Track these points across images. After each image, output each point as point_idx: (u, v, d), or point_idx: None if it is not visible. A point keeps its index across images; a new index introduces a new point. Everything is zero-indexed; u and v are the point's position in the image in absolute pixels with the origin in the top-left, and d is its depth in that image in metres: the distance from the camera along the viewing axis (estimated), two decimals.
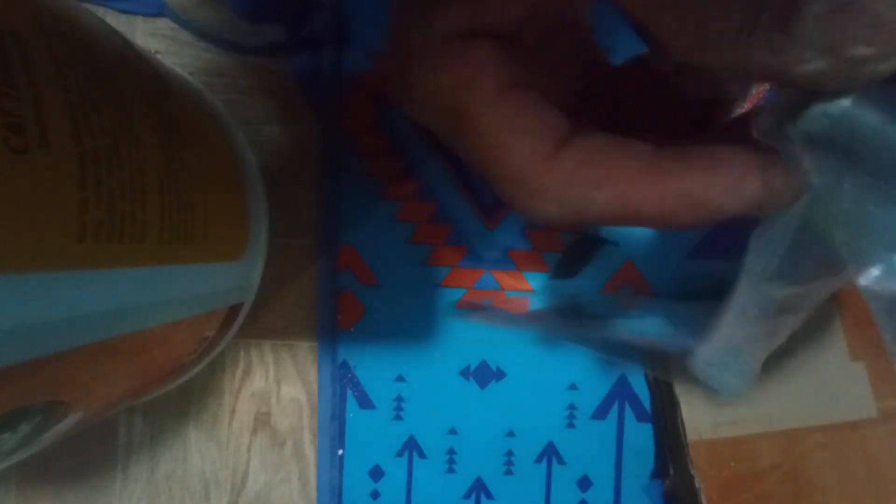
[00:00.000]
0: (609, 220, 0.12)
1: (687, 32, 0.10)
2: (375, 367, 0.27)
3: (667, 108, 0.14)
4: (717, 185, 0.11)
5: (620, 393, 0.27)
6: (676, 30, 0.10)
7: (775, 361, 0.24)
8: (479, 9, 0.12)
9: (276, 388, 0.27)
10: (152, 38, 0.27)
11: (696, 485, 0.25)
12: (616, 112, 0.13)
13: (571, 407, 0.27)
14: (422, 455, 0.27)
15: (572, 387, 0.27)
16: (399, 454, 0.27)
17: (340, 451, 0.27)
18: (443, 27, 0.12)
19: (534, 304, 0.27)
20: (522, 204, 0.13)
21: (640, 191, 0.12)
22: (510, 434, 0.27)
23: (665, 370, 0.26)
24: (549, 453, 0.27)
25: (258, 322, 0.27)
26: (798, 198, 0.12)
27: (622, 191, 0.12)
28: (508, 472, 0.27)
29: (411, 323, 0.27)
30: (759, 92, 0.24)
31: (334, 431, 0.27)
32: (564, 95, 0.14)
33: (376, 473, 0.27)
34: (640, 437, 0.27)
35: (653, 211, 0.12)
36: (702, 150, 0.12)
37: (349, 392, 0.27)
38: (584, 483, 0.27)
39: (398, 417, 0.27)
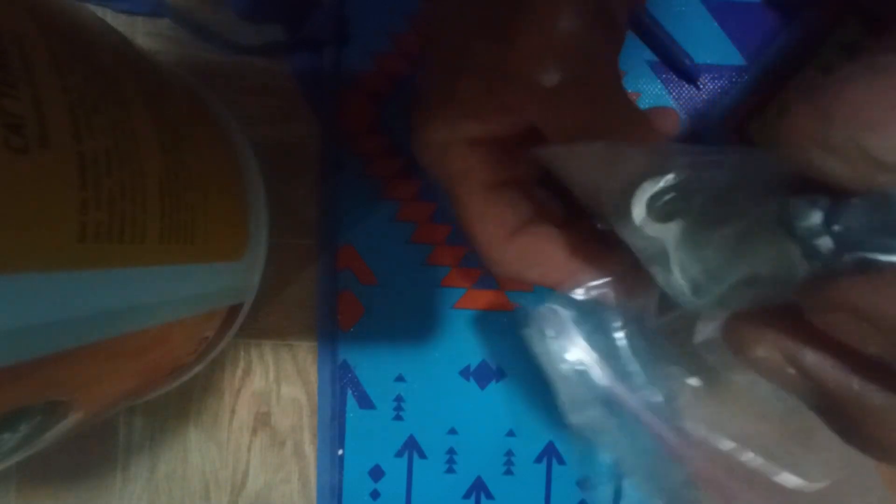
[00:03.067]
0: (539, 285, 0.18)
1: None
2: (375, 367, 0.27)
3: None
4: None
5: None
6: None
7: None
8: (482, 127, 0.17)
9: (276, 388, 0.27)
10: (152, 38, 0.27)
11: None
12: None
13: None
14: (422, 455, 0.27)
15: None
16: (399, 454, 0.27)
17: (340, 451, 0.27)
18: (455, 134, 0.17)
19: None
20: (485, 264, 0.19)
21: (553, 276, 0.18)
22: (510, 434, 0.27)
23: None
24: (549, 453, 0.27)
25: (258, 322, 0.27)
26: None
27: (542, 274, 0.18)
28: (508, 472, 0.27)
29: (411, 323, 0.27)
30: None
31: (334, 431, 0.27)
32: (534, 170, 0.19)
33: (376, 473, 0.27)
34: None
35: (562, 287, 0.18)
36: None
37: (349, 392, 0.27)
38: (585, 483, 0.27)
39: (398, 417, 0.27)
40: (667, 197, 0.13)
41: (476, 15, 0.16)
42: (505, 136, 0.17)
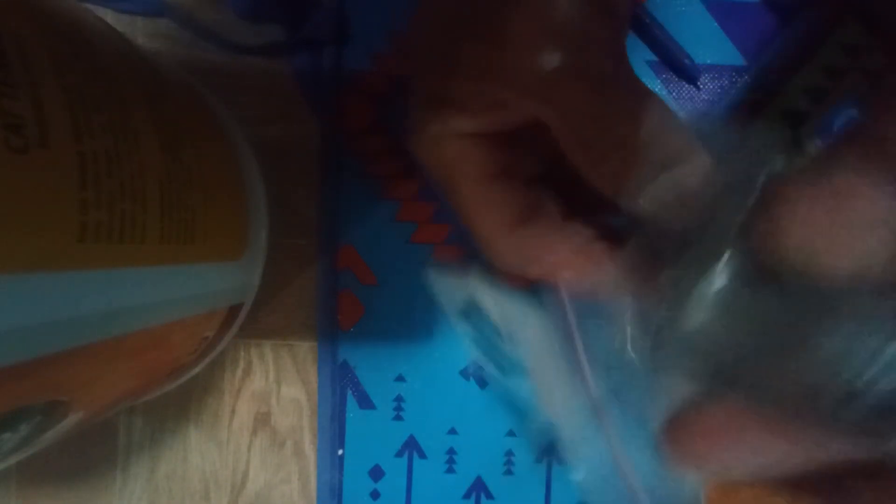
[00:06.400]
0: (541, 279, 0.18)
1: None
2: (375, 367, 0.27)
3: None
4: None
5: None
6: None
7: None
8: (473, 123, 0.17)
9: (276, 388, 0.27)
10: (152, 38, 0.27)
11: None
12: (572, 183, 0.18)
13: None
14: (422, 455, 0.27)
15: None
16: (399, 454, 0.27)
17: (340, 451, 0.27)
18: (446, 128, 0.17)
19: None
20: (485, 255, 0.18)
21: (556, 272, 0.17)
22: (510, 434, 0.27)
23: None
24: (549, 453, 0.27)
25: (258, 322, 0.27)
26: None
27: (544, 270, 0.17)
28: (508, 473, 0.27)
29: (411, 323, 0.27)
30: None
31: (334, 431, 0.27)
32: (532, 168, 0.18)
33: (376, 473, 0.27)
34: None
35: (563, 283, 0.17)
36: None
37: (349, 392, 0.27)
38: None
39: (398, 417, 0.27)
40: None
41: (465, 14, 0.16)
42: (498, 132, 0.17)
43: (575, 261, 0.17)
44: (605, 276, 0.16)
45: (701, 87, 0.26)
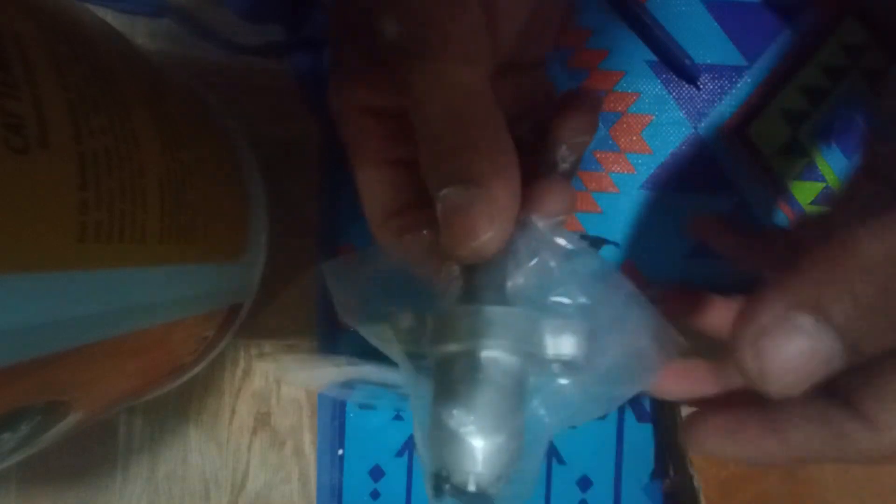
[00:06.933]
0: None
1: None
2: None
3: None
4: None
5: None
6: None
7: None
8: (371, 96, 0.17)
9: (276, 388, 0.27)
10: (152, 38, 0.27)
11: (696, 484, 0.25)
12: None
13: None
14: None
15: None
16: (399, 454, 0.27)
17: (340, 451, 0.27)
18: (351, 99, 0.18)
19: None
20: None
21: (422, 267, 0.18)
22: None
23: None
24: (549, 453, 0.27)
25: (258, 322, 0.27)
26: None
27: (413, 261, 0.18)
28: None
29: None
30: None
31: (334, 431, 0.27)
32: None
33: (376, 473, 0.27)
34: (640, 437, 0.27)
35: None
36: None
37: None
38: (584, 483, 0.27)
39: (398, 417, 0.27)
40: None
41: None
42: (397, 111, 0.17)
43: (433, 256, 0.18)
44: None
45: (701, 87, 0.26)
